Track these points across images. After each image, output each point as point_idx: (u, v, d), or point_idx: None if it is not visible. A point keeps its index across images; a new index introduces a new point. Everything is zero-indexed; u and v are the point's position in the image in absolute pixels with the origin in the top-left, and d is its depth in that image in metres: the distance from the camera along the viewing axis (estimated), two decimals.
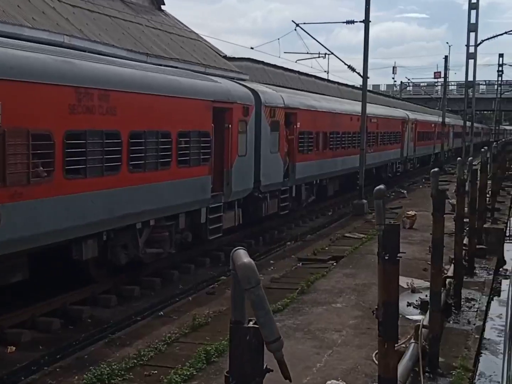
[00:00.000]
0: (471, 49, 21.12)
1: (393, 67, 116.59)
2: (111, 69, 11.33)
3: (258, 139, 17.90)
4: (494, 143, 31.50)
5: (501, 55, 52.77)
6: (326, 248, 18.02)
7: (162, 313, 11.31)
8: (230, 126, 15.92)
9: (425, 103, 78.26)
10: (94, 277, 12.30)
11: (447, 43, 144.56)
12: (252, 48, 23.20)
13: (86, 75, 10.55)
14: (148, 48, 19.94)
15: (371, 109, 31.90)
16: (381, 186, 5.91)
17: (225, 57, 26.06)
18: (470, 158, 15.34)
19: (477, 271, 15.45)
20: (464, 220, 16.11)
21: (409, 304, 12.28)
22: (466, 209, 15.80)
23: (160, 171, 12.81)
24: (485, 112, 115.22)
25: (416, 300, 12.45)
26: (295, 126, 20.64)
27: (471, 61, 21.05)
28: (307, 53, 24.96)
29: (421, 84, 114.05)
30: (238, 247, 3.10)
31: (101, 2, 20.73)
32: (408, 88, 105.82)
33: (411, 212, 22.01)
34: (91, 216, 10.78)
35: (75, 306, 11.45)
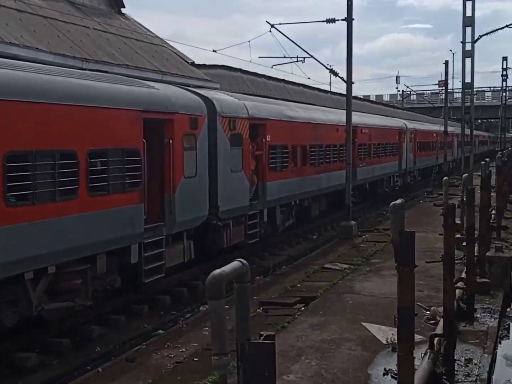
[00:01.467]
0: (468, 46, 18.26)
1: (396, 77, 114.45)
2: None
3: (213, 156, 15.00)
4: (499, 152, 28.48)
5: (504, 58, 49.29)
6: (298, 285, 15.01)
7: None
8: (171, 141, 13.02)
9: (430, 112, 75.86)
10: None
11: (451, 50, 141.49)
12: (214, 51, 20.23)
13: None
14: (89, 52, 17.14)
15: (362, 118, 29.01)
16: (216, 273, 2.98)
17: (193, 64, 23.28)
18: (464, 175, 12.42)
19: (478, 315, 12.40)
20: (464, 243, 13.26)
21: (386, 372, 9.24)
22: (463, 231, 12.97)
23: (61, 203, 9.89)
24: (492, 120, 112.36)
25: (397, 364, 9.39)
26: (264, 140, 17.73)
27: (468, 61, 18.21)
28: (284, 57, 22.10)
29: (425, 93, 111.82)
30: None
31: (40, 3, 17.98)
32: (412, 98, 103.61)
33: None
34: None
35: None
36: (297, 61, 22.08)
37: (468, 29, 19.24)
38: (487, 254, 15.04)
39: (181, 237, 13.79)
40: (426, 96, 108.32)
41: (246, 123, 16.52)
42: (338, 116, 24.89)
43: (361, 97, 72.50)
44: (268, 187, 17.95)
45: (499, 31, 21.69)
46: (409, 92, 75.81)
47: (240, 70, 27.31)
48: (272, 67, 22.84)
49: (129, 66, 17.78)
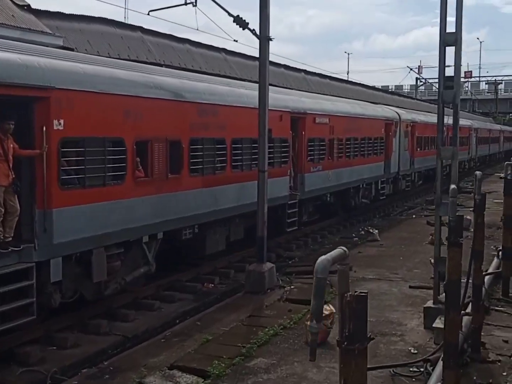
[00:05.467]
0: None
1: (418, 66, 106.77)
2: None
3: None
4: None
5: None
6: None
7: None
8: None
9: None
10: None
11: (478, 38, 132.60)
12: None
13: None
14: None
15: (318, 102, 20.32)
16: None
17: (30, 9, 14.86)
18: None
19: None
20: None
21: None
22: None
23: None
24: None
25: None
26: (44, 128, 9.21)
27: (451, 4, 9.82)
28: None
29: None
30: None
31: None
32: (433, 89, 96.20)
33: (326, 308, 10.37)
34: None
35: None
36: (185, 4, 13.64)
37: None
38: None
39: None
40: None
41: None
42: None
43: (379, 87, 62.27)
44: (61, 217, 9.46)
45: None
46: (423, 81, 66.67)
47: (139, 28, 18.74)
48: (148, 14, 14.41)
49: None
